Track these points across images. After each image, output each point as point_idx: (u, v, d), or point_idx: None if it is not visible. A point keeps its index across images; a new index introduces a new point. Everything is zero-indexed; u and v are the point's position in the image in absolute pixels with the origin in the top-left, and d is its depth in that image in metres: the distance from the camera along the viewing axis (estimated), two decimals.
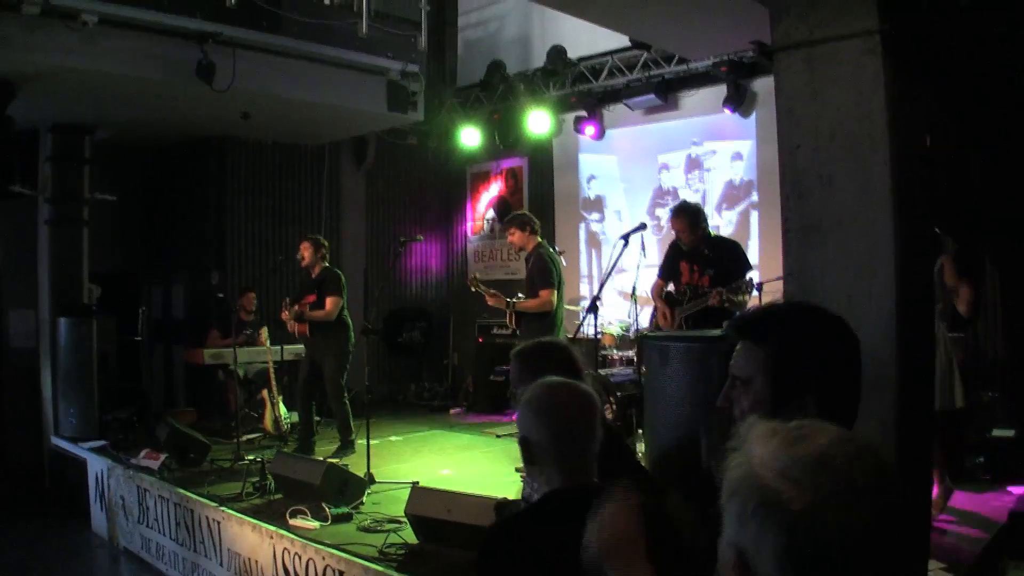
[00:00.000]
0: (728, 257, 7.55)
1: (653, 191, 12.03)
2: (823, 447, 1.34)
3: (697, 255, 7.60)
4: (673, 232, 7.86)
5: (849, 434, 1.40)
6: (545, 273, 8.42)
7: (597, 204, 12.75)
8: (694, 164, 11.61)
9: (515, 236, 8.77)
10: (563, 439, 2.72)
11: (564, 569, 2.34)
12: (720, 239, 8.10)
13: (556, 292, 8.41)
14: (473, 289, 9.20)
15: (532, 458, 2.78)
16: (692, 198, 10.80)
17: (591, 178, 12.81)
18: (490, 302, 8.80)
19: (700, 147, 11.52)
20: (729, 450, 1.42)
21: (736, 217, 11.18)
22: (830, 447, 1.34)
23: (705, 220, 7.76)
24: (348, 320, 9.52)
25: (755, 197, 11.01)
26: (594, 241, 12.78)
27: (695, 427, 5.13)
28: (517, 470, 8.09)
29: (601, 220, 12.66)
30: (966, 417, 6.97)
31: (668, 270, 7.94)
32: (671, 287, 7.91)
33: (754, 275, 7.66)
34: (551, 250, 8.78)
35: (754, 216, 11.00)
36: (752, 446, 1.39)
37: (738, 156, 11.16)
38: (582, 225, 12.98)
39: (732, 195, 11.20)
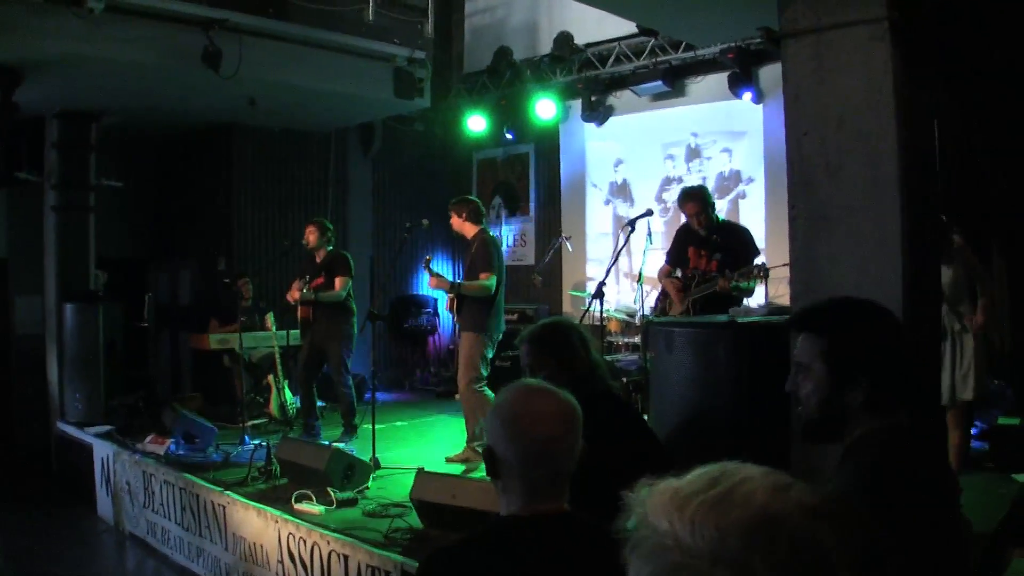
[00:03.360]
0: (736, 242, 7.52)
1: (661, 179, 11.99)
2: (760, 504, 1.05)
3: (705, 240, 7.57)
4: (684, 217, 7.82)
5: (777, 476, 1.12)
6: (487, 258, 8.28)
7: (624, 189, 12.63)
8: (694, 153, 11.58)
9: (452, 220, 8.62)
10: (532, 458, 2.35)
11: None
12: (728, 224, 8.06)
13: (495, 277, 8.27)
14: (424, 268, 9.10)
15: (496, 472, 2.41)
16: (695, 183, 10.81)
17: (618, 162, 12.69)
18: (431, 284, 8.72)
19: (702, 135, 11.49)
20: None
21: (727, 205, 11.15)
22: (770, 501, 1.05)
23: (713, 203, 7.75)
24: (353, 306, 9.51)
25: (751, 184, 11.00)
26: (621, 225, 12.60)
27: (701, 411, 5.15)
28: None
29: (632, 205, 12.48)
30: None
31: (675, 255, 7.89)
32: (678, 273, 7.87)
33: (762, 260, 7.63)
34: (493, 236, 8.64)
35: (751, 203, 10.98)
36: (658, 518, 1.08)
37: (739, 140, 11.14)
38: (610, 210, 12.83)
39: (732, 180, 11.17)
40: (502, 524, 2.41)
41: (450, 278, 8.90)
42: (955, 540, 2.51)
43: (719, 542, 1.02)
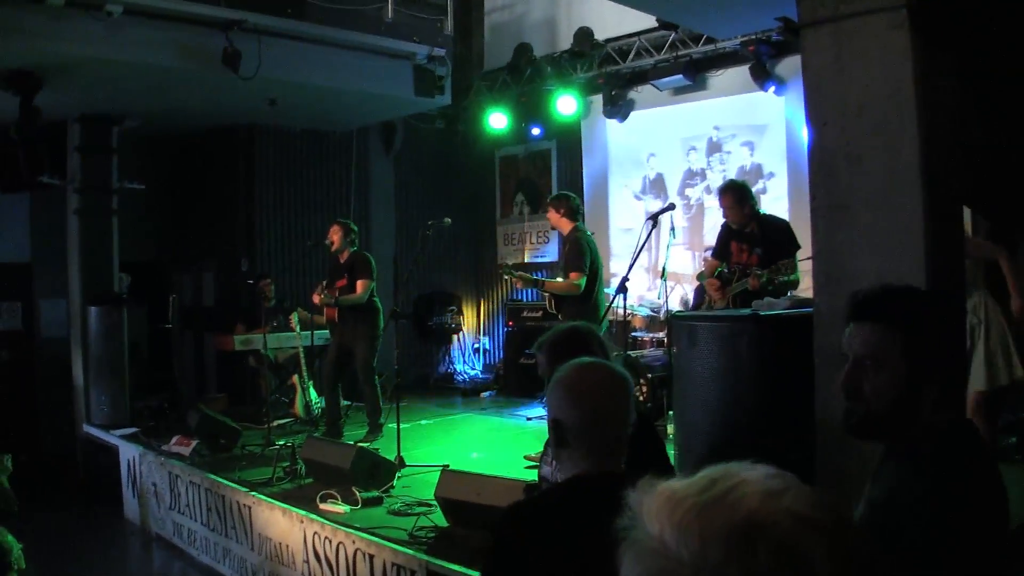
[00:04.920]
0: (776, 236, 7.41)
1: (683, 173, 11.93)
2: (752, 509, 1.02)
3: (746, 234, 7.49)
4: (722, 210, 7.72)
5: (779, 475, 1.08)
6: (578, 257, 8.29)
7: (658, 184, 12.52)
8: (715, 147, 11.51)
9: (550, 215, 8.74)
10: (595, 423, 2.59)
11: (579, 557, 2.28)
12: (769, 218, 7.84)
13: (586, 276, 8.24)
14: (505, 277, 9.14)
15: (562, 441, 2.63)
16: (717, 178, 10.75)
17: (651, 156, 12.53)
18: (517, 285, 8.70)
19: (723, 129, 11.42)
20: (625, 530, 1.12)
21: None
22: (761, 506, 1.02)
23: (752, 197, 7.65)
24: (378, 304, 9.50)
25: (772, 179, 10.91)
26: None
27: (724, 405, 5.11)
28: (526, 458, 8.04)
29: (665, 199, 12.28)
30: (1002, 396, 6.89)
31: (721, 249, 7.80)
32: (724, 267, 7.76)
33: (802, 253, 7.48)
34: (588, 234, 8.63)
35: (773, 196, 10.87)
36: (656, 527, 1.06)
37: (760, 134, 11.07)
38: (641, 205, 12.58)
39: (753, 174, 11.09)
40: (574, 483, 2.60)
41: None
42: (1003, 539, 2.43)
43: (701, 551, 0.99)
